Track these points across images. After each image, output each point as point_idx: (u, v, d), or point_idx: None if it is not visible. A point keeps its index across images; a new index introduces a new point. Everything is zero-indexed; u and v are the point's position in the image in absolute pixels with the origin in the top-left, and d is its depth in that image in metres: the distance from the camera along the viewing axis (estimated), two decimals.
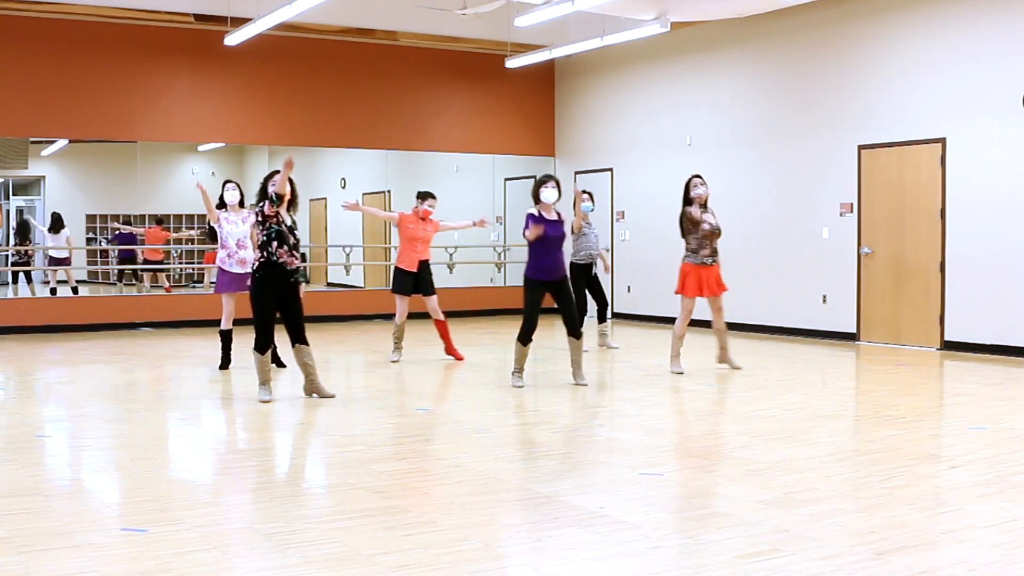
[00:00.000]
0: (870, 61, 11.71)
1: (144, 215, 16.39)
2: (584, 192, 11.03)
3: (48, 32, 13.18)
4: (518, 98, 16.27)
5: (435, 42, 14.93)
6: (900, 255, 11.42)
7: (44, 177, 17.30)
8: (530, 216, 8.24)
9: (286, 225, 7.57)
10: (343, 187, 18.37)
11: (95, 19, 13.11)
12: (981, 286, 10.65)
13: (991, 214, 10.55)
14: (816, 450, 5.95)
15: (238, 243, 9.30)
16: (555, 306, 8.55)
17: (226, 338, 9.38)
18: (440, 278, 11.60)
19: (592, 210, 11.04)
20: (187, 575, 3.74)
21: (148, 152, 15.40)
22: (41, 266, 15.86)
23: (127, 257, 16.50)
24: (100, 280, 17.62)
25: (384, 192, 17.28)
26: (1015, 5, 10.32)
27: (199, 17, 13.21)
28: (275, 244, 7.50)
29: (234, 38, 12.48)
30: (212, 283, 12.66)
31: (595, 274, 11.11)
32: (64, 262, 15.47)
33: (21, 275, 15.66)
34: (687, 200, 9.14)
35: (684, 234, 9.11)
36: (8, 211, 17.40)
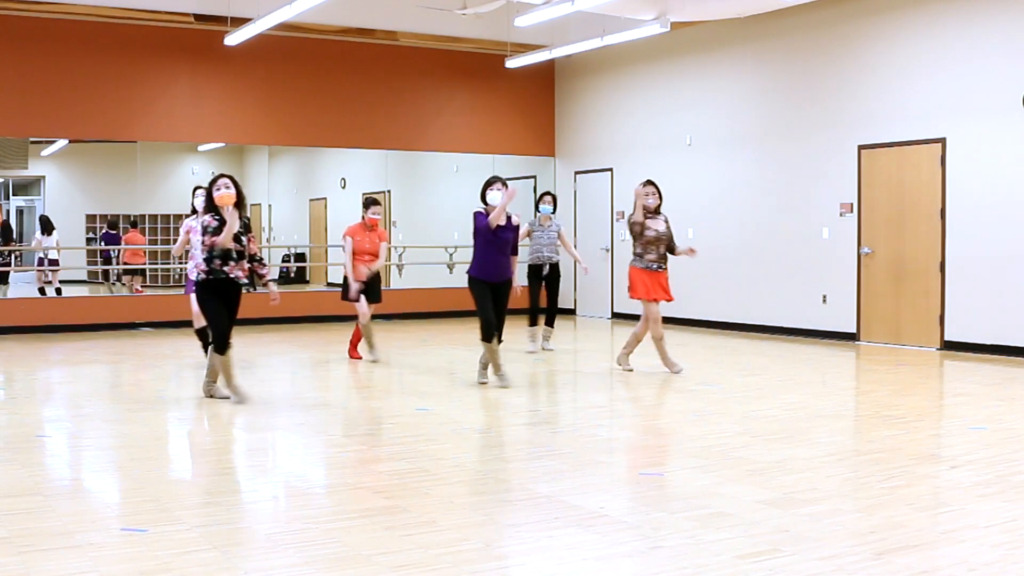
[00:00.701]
0: (870, 61, 11.71)
1: (144, 215, 16.40)
2: (546, 194, 11.05)
3: (48, 32, 13.18)
4: (518, 98, 16.27)
5: (435, 42, 14.93)
6: (900, 255, 11.42)
7: (44, 177, 17.30)
8: (477, 214, 8.28)
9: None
10: (343, 187, 18.37)
11: (95, 19, 13.11)
12: (981, 286, 10.65)
13: (991, 214, 10.55)
14: (816, 450, 5.95)
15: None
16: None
17: (203, 335, 9.35)
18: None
19: (552, 213, 10.94)
20: (187, 575, 3.74)
21: (148, 152, 15.40)
22: (33, 267, 15.81)
23: (109, 259, 16.53)
24: (99, 280, 17.62)
25: (384, 192, 17.28)
26: (1015, 5, 10.31)
27: (199, 17, 13.21)
28: (218, 260, 7.36)
29: (234, 38, 12.48)
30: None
31: (547, 275, 11.01)
32: (55, 263, 15.48)
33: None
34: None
35: (634, 238, 9.20)
36: (8, 211, 17.41)
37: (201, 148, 17.06)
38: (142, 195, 16.19)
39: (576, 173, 16.24)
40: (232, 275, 7.41)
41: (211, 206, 7.46)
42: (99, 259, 16.94)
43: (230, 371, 7.56)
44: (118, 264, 16.21)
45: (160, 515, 4.57)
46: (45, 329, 13.19)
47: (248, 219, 7.63)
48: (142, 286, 16.26)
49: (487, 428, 6.90)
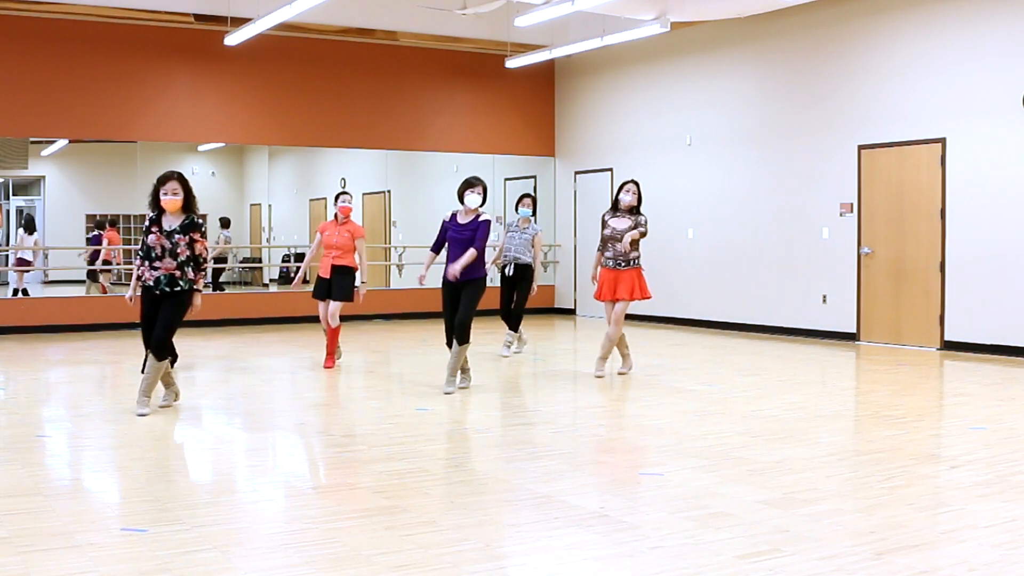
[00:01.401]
0: (870, 61, 11.71)
1: (144, 215, 16.35)
2: (525, 196, 10.81)
3: (48, 32, 13.18)
4: (518, 98, 16.27)
5: (435, 42, 14.93)
6: (900, 255, 11.42)
7: (44, 177, 17.29)
8: (443, 221, 8.27)
9: (164, 233, 7.10)
10: (343, 187, 18.37)
11: (95, 19, 13.11)
12: (981, 286, 10.65)
13: (991, 214, 10.55)
14: (816, 450, 5.95)
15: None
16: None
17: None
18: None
19: (530, 215, 10.59)
20: (187, 575, 3.74)
21: (148, 152, 15.38)
22: (7, 267, 15.75)
23: (94, 258, 16.50)
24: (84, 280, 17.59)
25: (384, 192, 17.28)
26: (1015, 5, 10.32)
27: (199, 17, 13.21)
28: (140, 258, 7.16)
29: (234, 38, 12.48)
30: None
31: (512, 276, 10.54)
32: (28, 264, 15.45)
33: None
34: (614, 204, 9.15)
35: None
36: (8, 211, 17.39)
37: (201, 148, 17.05)
38: (142, 195, 16.07)
39: (576, 173, 16.24)
40: (143, 276, 7.10)
41: (156, 204, 7.17)
42: (87, 259, 16.88)
43: (155, 379, 7.19)
44: (101, 264, 16.18)
45: (160, 515, 4.57)
46: (45, 329, 13.20)
47: (197, 218, 7.23)
48: (111, 283, 16.08)
49: (487, 428, 6.89)
